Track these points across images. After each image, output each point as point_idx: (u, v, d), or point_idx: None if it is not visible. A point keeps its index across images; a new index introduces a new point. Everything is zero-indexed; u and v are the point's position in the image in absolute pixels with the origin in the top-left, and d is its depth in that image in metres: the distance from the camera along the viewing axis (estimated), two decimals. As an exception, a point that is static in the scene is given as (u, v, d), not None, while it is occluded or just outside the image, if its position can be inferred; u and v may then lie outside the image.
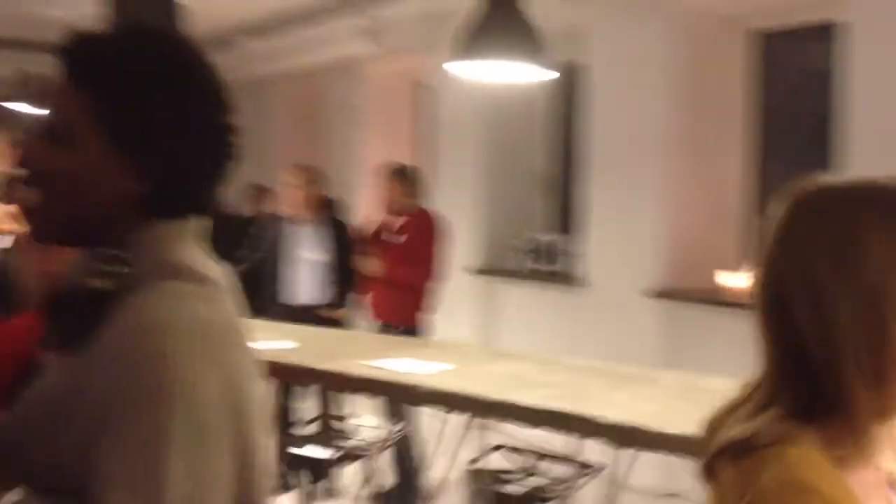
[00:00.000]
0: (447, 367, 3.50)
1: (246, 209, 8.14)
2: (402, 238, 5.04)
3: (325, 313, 5.12)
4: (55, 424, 1.02)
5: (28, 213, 1.12)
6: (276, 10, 7.29)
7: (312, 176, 5.29)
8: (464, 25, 3.51)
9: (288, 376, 3.63)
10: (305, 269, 5.18)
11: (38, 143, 1.08)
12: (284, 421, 4.92)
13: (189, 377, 0.98)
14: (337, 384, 3.63)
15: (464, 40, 3.49)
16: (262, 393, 1.12)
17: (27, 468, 1.04)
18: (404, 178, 5.11)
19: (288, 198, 5.28)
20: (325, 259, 5.19)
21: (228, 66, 8.64)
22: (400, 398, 3.47)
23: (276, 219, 5.47)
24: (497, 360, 3.89)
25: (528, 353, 4.27)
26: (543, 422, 2.98)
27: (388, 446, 4.27)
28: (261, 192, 8.12)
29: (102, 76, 1.06)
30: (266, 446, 1.09)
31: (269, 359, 3.51)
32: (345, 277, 5.17)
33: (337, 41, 7.39)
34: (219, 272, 1.13)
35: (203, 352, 1.01)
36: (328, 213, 5.34)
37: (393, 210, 5.10)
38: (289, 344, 3.84)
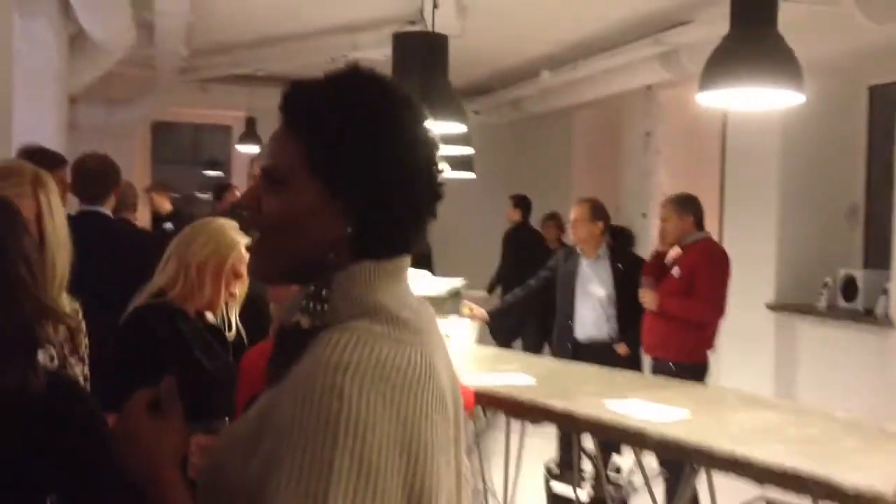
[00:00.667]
0: (685, 412, 3.37)
1: (545, 236, 8.38)
2: (681, 270, 4.88)
3: (609, 348, 5.13)
4: (249, 447, 1.11)
5: (249, 251, 1.26)
6: (573, 42, 7.42)
7: (596, 209, 5.30)
8: (713, 53, 3.39)
9: (518, 412, 3.69)
10: (589, 302, 5.21)
11: (257, 186, 1.18)
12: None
13: (360, 416, 1.01)
14: (564, 423, 3.63)
15: (711, 68, 3.36)
16: (455, 434, 1.15)
17: (226, 490, 1.12)
18: (685, 207, 4.94)
19: (574, 230, 5.35)
20: (609, 293, 5.18)
21: (529, 98, 8.95)
22: (629, 443, 3.38)
23: (566, 250, 5.55)
24: (747, 406, 3.66)
25: (781, 401, 3.97)
26: (775, 481, 2.77)
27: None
28: (556, 221, 8.31)
29: (313, 123, 1.14)
30: (452, 489, 1.12)
31: (501, 393, 3.61)
32: (628, 312, 5.11)
33: (633, 70, 7.35)
34: (418, 312, 1.17)
35: (378, 392, 1.03)
36: (614, 245, 5.34)
37: (672, 241, 4.96)
38: (527, 379, 3.91)
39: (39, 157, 4.11)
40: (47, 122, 5.73)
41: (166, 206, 8.62)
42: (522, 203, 8.70)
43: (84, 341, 2.16)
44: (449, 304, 6.05)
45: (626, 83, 7.63)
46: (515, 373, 4.03)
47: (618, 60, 7.19)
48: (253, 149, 9.32)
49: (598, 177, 9.12)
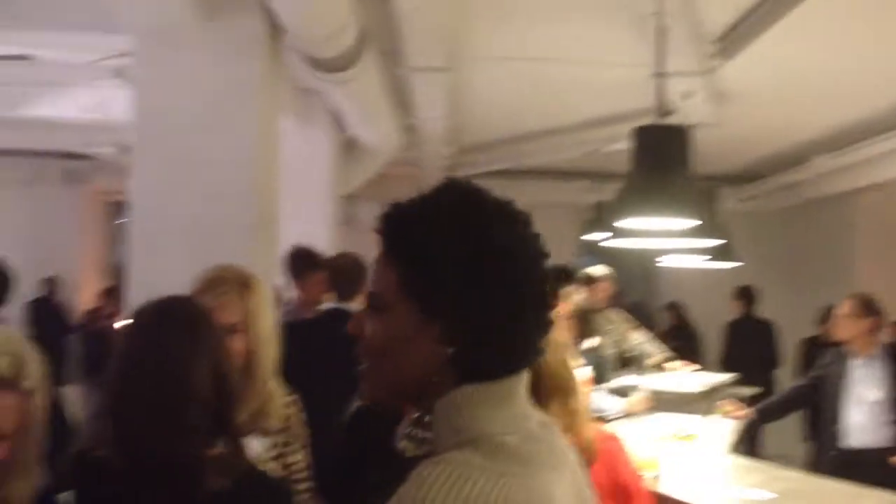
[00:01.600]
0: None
1: (818, 331, 7.74)
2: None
3: (884, 459, 4.60)
4: None
5: (360, 376, 1.25)
6: (849, 124, 6.95)
7: (864, 304, 4.84)
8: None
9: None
10: (861, 407, 4.73)
11: (363, 312, 1.19)
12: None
13: None
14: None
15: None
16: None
17: None
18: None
19: (839, 327, 4.92)
20: (886, 396, 4.68)
21: (803, 183, 8.44)
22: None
23: (836, 350, 5.07)
24: None
25: None
26: None
27: None
28: (831, 314, 7.66)
29: (402, 247, 1.14)
30: None
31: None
32: (905, 417, 4.59)
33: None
34: (534, 440, 1.12)
35: None
36: (890, 345, 4.85)
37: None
38: (766, 495, 3.55)
39: (302, 256, 4.49)
40: (319, 219, 6.22)
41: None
42: (745, 295, 8.44)
43: (302, 431, 2.26)
44: (703, 401, 5.73)
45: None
46: (754, 488, 3.69)
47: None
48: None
49: (886, 266, 8.34)
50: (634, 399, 4.87)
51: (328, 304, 4.02)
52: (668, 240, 3.66)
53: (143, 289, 3.75)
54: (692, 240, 3.86)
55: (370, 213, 6.40)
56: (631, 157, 3.78)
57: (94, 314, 8.86)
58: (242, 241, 3.74)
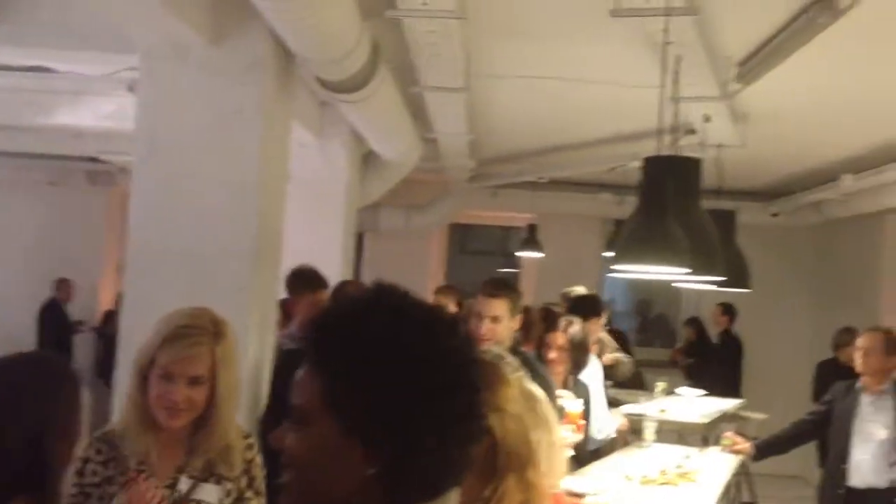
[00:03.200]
0: None
1: (838, 356, 7.55)
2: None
3: (890, 500, 4.47)
4: None
5: (282, 488, 1.22)
6: (879, 144, 6.78)
7: (892, 342, 4.69)
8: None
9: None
10: (869, 445, 4.59)
11: (287, 424, 1.14)
12: None
13: None
14: None
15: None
16: None
17: None
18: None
19: (862, 361, 4.73)
20: (893, 435, 4.55)
21: (831, 202, 8.31)
22: None
23: (846, 384, 4.93)
24: None
25: None
26: None
27: None
28: (850, 338, 7.47)
29: (325, 359, 1.10)
30: None
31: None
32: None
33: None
34: None
35: None
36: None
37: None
38: None
39: (305, 277, 4.45)
40: (335, 233, 6.19)
41: (452, 308, 8.92)
42: (730, 311, 8.72)
43: (260, 475, 2.23)
44: (706, 431, 5.63)
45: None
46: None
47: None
48: (534, 254, 9.44)
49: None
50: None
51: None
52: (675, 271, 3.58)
53: (136, 311, 3.75)
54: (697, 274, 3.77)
55: (395, 220, 6.52)
56: (639, 190, 3.70)
57: (109, 316, 8.92)
58: (243, 267, 3.71)
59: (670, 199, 3.42)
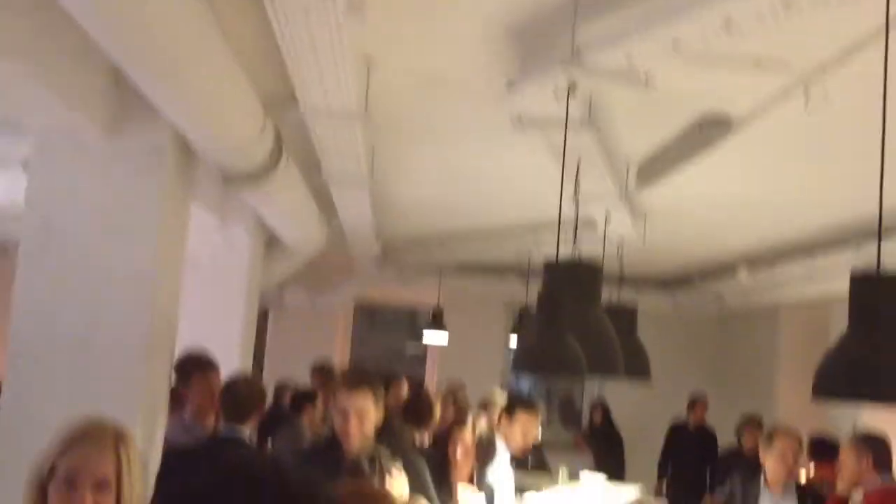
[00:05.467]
0: None
1: (742, 444, 7.72)
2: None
3: None
4: None
5: None
6: (773, 242, 7.05)
7: (788, 441, 4.74)
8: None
9: None
10: None
11: None
12: None
13: None
14: None
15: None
16: None
17: None
18: (863, 446, 4.38)
19: (775, 463, 4.72)
20: None
21: (731, 294, 8.53)
22: None
23: (742, 473, 5.00)
24: None
25: None
26: None
27: None
28: (752, 426, 7.66)
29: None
30: None
31: None
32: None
33: (837, 274, 6.83)
34: None
35: None
36: (800, 484, 4.80)
37: (850, 482, 4.37)
38: None
39: (194, 361, 4.33)
40: (236, 315, 6.06)
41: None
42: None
43: None
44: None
45: (829, 287, 7.08)
46: None
47: (819, 264, 6.72)
48: (439, 336, 9.43)
49: (806, 384, 8.41)
50: None
51: (224, 430, 3.86)
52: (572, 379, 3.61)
53: (17, 402, 3.58)
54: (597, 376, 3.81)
55: (300, 299, 6.39)
56: (539, 294, 3.73)
57: None
58: (134, 360, 3.59)
59: (568, 307, 3.45)
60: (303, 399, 6.49)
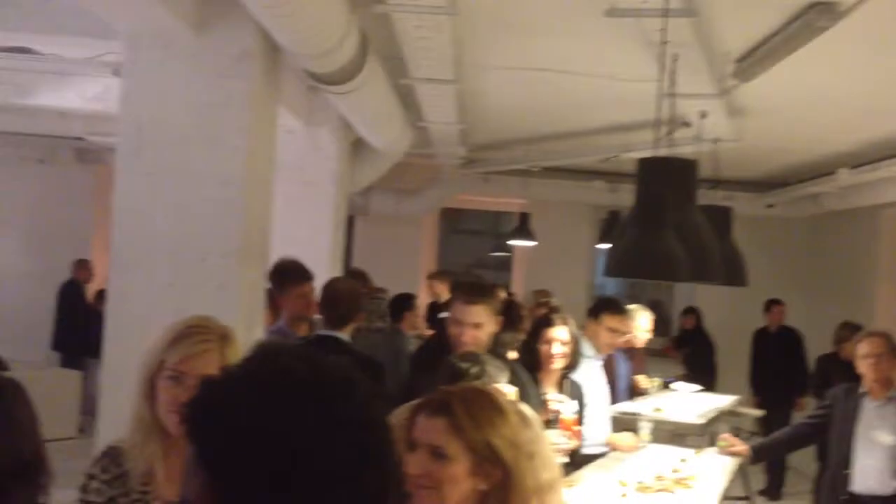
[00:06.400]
0: None
1: (839, 351, 7.51)
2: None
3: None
4: None
5: None
6: (877, 140, 6.72)
7: (888, 346, 4.56)
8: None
9: None
10: (873, 451, 4.48)
11: None
12: None
13: None
14: None
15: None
16: None
17: None
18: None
19: (872, 367, 4.56)
20: None
21: (828, 195, 8.25)
22: None
23: (845, 387, 4.80)
24: None
25: None
26: None
27: None
28: (851, 333, 7.44)
29: (209, 450, 1.03)
30: None
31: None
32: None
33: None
34: None
35: None
36: None
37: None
38: None
39: (288, 271, 4.38)
40: (325, 220, 6.10)
41: (445, 294, 8.82)
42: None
43: None
44: (702, 432, 5.55)
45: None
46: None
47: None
48: (526, 243, 9.37)
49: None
50: (622, 439, 4.69)
51: (319, 330, 3.91)
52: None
53: (120, 304, 3.69)
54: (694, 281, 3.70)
55: (385, 204, 6.48)
56: (635, 193, 3.62)
57: (101, 294, 8.84)
58: (229, 262, 3.64)
59: (667, 206, 3.34)
60: (402, 302, 6.47)
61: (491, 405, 1.81)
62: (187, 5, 3.49)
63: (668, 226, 3.20)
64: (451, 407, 1.76)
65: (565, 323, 4.07)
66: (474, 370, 2.75)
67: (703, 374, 8.22)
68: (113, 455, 2.06)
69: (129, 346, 3.57)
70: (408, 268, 9.91)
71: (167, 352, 2.01)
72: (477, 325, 3.28)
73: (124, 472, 2.02)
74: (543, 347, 3.94)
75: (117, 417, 2.16)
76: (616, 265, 3.31)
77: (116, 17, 3.64)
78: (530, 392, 3.46)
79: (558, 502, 1.90)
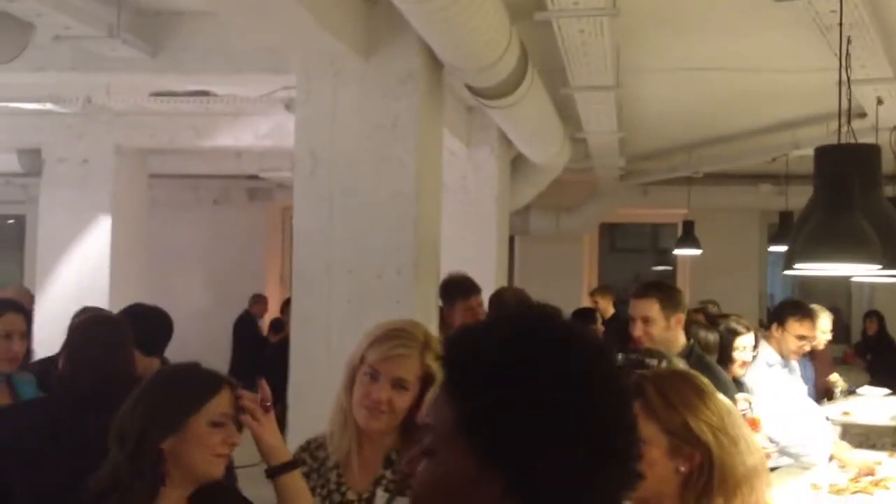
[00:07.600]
0: None
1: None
2: None
3: None
4: None
5: None
6: None
7: None
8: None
9: None
10: None
11: (415, 453, 1.07)
12: None
13: None
14: None
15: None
16: None
17: None
18: None
19: None
20: None
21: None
22: None
23: None
24: None
25: None
26: None
27: None
28: None
29: (471, 384, 1.01)
30: None
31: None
32: None
33: None
34: None
35: None
36: None
37: None
38: None
39: (458, 284, 4.43)
40: (489, 239, 6.16)
41: (610, 309, 8.68)
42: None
43: None
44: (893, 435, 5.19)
45: None
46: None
47: None
48: (691, 252, 9.11)
49: None
50: (844, 451, 4.32)
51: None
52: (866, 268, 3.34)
53: (304, 323, 3.84)
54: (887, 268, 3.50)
55: (545, 222, 6.45)
56: (813, 183, 3.47)
57: (275, 324, 9.22)
58: (403, 279, 3.72)
59: (853, 188, 3.17)
60: (583, 318, 6.42)
61: (688, 386, 1.76)
62: (356, 32, 3.63)
63: (857, 208, 3.04)
64: (644, 389, 1.73)
65: (750, 330, 4.03)
66: (661, 364, 2.69)
67: (891, 378, 7.73)
68: (310, 448, 2.15)
69: (312, 364, 3.73)
70: (569, 286, 9.84)
71: (369, 349, 2.06)
72: (645, 320, 3.25)
73: (321, 464, 2.11)
74: (732, 354, 3.92)
75: (305, 433, 2.23)
76: (802, 251, 3.15)
77: (289, 48, 3.83)
78: (730, 393, 3.38)
79: (767, 487, 1.82)
